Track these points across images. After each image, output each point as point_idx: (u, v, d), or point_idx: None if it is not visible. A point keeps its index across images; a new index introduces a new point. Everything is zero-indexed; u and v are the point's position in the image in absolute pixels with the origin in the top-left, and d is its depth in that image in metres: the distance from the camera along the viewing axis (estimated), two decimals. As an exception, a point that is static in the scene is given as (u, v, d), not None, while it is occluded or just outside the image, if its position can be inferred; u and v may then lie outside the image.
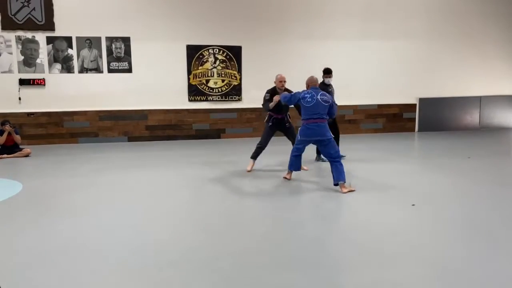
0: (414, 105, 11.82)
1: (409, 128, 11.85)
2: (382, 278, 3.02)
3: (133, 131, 10.32)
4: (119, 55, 10.06)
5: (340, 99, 11.16)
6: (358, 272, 3.13)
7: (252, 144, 9.81)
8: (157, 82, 10.29)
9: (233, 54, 10.59)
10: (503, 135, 10.93)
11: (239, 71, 10.68)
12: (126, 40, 10.05)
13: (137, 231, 4.06)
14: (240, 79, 10.73)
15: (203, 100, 10.62)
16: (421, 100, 11.79)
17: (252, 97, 10.85)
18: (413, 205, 4.78)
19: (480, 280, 2.98)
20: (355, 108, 11.38)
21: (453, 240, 3.79)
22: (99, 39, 9.94)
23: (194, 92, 10.51)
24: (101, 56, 9.99)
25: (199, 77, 10.49)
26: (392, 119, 11.68)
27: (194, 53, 10.39)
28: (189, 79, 10.45)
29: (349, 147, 9.23)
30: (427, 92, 11.73)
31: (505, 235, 3.88)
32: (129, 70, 10.15)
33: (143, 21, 10.06)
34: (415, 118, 11.87)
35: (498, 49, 12.04)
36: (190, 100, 10.54)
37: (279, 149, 7.85)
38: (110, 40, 9.99)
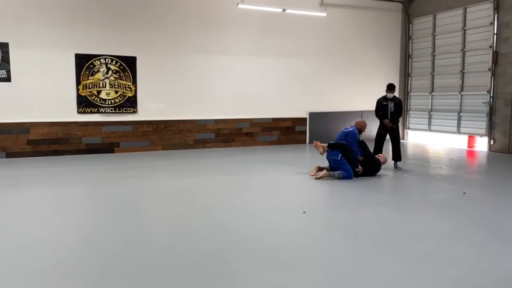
0: (305, 118, 12.59)
1: (301, 140, 12.57)
2: (276, 282, 3.13)
3: (12, 146, 9.31)
4: (-5, 61, 9.05)
5: (238, 113, 11.58)
6: (255, 277, 3.22)
7: (148, 157, 9.55)
8: (42, 93, 9.46)
9: (127, 65, 10.21)
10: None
11: (134, 82, 10.33)
12: (4, 46, 9.08)
13: (16, 253, 3.65)
14: (135, 91, 10.37)
15: (94, 112, 10.02)
16: (311, 114, 12.61)
17: (148, 109, 10.57)
18: (304, 212, 5.07)
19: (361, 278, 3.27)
20: (252, 122, 11.74)
21: (337, 243, 4.10)
22: (-31, 43, 8.84)
23: (84, 104, 9.87)
24: (-28, 62, 8.88)
25: (89, 88, 9.90)
26: (285, 132, 12.29)
27: (84, 63, 9.79)
28: (78, 89, 9.80)
29: (247, 159, 9.49)
30: (316, 106, 12.59)
31: (369, 235, 4.32)
32: (7, 79, 9.17)
33: (25, 27, 9.20)
34: (306, 131, 12.64)
35: (376, 67, 13.45)
36: (79, 112, 9.86)
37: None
38: (-16, 45, 8.95)
